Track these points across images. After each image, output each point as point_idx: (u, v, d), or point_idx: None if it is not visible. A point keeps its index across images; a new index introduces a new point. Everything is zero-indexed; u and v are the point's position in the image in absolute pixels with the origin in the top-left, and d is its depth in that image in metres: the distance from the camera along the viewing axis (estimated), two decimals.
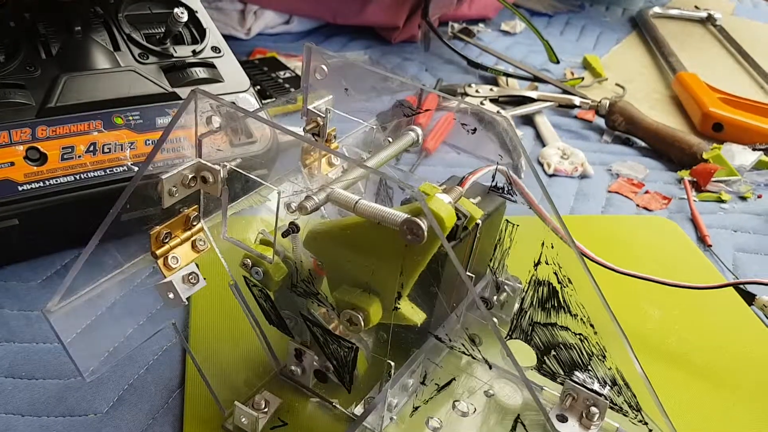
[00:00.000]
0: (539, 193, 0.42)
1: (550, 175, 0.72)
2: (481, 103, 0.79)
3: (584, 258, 0.39)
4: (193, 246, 0.39)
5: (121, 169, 0.51)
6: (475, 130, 0.41)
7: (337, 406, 0.42)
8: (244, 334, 0.44)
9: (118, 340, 0.40)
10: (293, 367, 0.43)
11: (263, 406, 0.40)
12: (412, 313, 0.36)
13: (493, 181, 0.41)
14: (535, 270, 0.41)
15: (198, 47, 0.58)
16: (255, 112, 0.49)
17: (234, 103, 0.56)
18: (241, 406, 0.39)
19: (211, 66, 0.57)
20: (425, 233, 0.30)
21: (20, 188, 0.47)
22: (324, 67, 0.42)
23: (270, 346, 0.43)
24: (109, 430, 0.40)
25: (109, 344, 0.39)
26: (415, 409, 0.40)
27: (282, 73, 0.80)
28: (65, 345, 0.35)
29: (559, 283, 0.40)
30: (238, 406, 0.39)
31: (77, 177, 0.49)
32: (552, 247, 0.40)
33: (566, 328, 0.41)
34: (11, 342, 0.46)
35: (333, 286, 0.37)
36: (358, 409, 0.41)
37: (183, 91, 0.55)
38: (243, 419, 0.39)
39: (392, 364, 0.38)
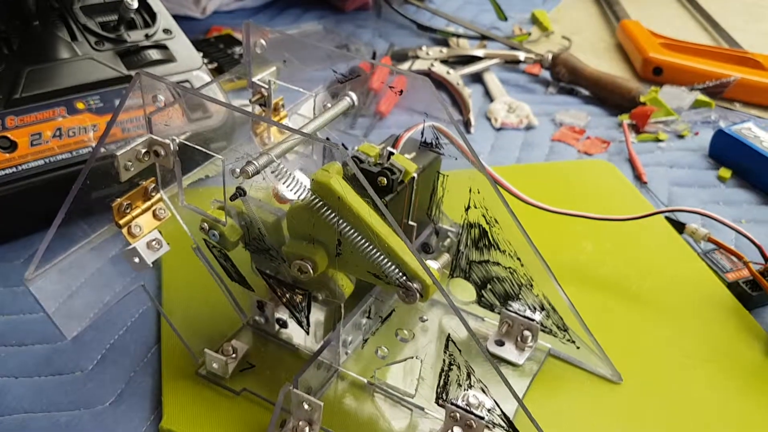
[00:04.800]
0: (467, 140, 0.45)
1: (498, 129, 0.77)
2: (432, 64, 0.82)
3: (506, 198, 0.44)
4: (155, 215, 0.43)
5: (86, 150, 0.55)
6: (401, 92, 0.45)
7: (300, 348, 0.47)
8: (212, 291, 0.49)
9: (96, 303, 0.45)
10: (257, 318, 0.47)
11: (231, 352, 0.45)
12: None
13: (422, 136, 0.46)
14: (466, 214, 0.45)
15: (150, 31, 0.61)
16: (206, 84, 0.53)
17: (188, 81, 0.60)
18: (211, 352, 0.44)
19: (164, 47, 0.61)
20: None
21: None
22: (263, 41, 0.46)
23: (235, 300, 0.47)
24: (95, 384, 0.45)
25: (87, 306, 0.43)
26: (365, 341, 0.45)
27: (238, 49, 0.83)
28: (44, 308, 0.39)
29: (487, 223, 0.45)
30: (208, 353, 0.44)
31: (46, 161, 0.53)
32: (478, 192, 0.44)
33: (497, 263, 0.46)
34: (0, 315, 0.50)
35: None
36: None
37: None
38: (214, 365, 0.44)
39: (342, 306, 0.42)
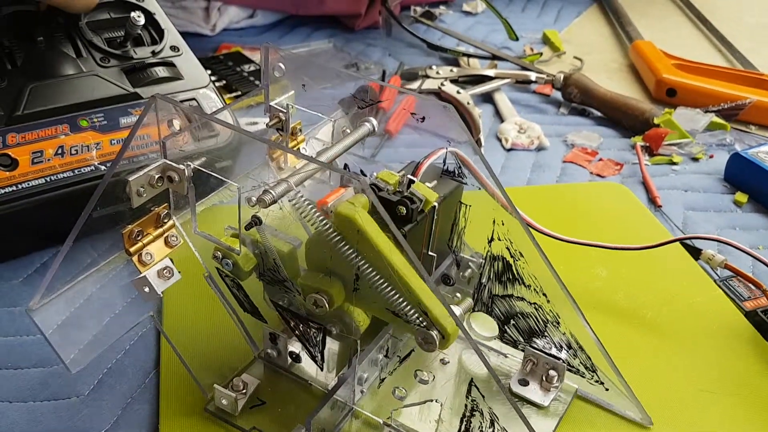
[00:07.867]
0: (491, 170, 0.44)
1: (508, 150, 0.75)
2: (442, 84, 0.81)
3: (532, 231, 0.42)
4: (166, 242, 0.41)
5: (89, 169, 0.53)
6: (423, 119, 0.43)
7: (313, 383, 0.44)
8: (221, 322, 0.47)
9: (96, 330, 0.43)
10: (269, 350, 0.45)
11: (241, 387, 0.43)
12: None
13: (444, 165, 0.44)
14: (490, 246, 0.43)
15: (157, 48, 0.59)
16: (219, 110, 0.51)
17: (195, 100, 0.58)
18: (221, 388, 0.42)
19: (171, 65, 0.59)
20: None
21: None
22: (281, 65, 0.44)
23: (248, 332, 0.45)
24: (91, 410, 0.43)
25: (89, 335, 0.41)
26: (382, 380, 0.42)
27: (247, 66, 0.81)
28: (49, 340, 0.37)
29: (511, 257, 0.43)
30: (217, 389, 0.42)
31: (48, 179, 0.51)
32: (503, 224, 0.42)
33: (522, 299, 0.44)
34: None
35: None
36: (333, 385, 0.44)
37: (144, 91, 0.57)
38: (223, 401, 0.42)
39: (358, 341, 0.40)
